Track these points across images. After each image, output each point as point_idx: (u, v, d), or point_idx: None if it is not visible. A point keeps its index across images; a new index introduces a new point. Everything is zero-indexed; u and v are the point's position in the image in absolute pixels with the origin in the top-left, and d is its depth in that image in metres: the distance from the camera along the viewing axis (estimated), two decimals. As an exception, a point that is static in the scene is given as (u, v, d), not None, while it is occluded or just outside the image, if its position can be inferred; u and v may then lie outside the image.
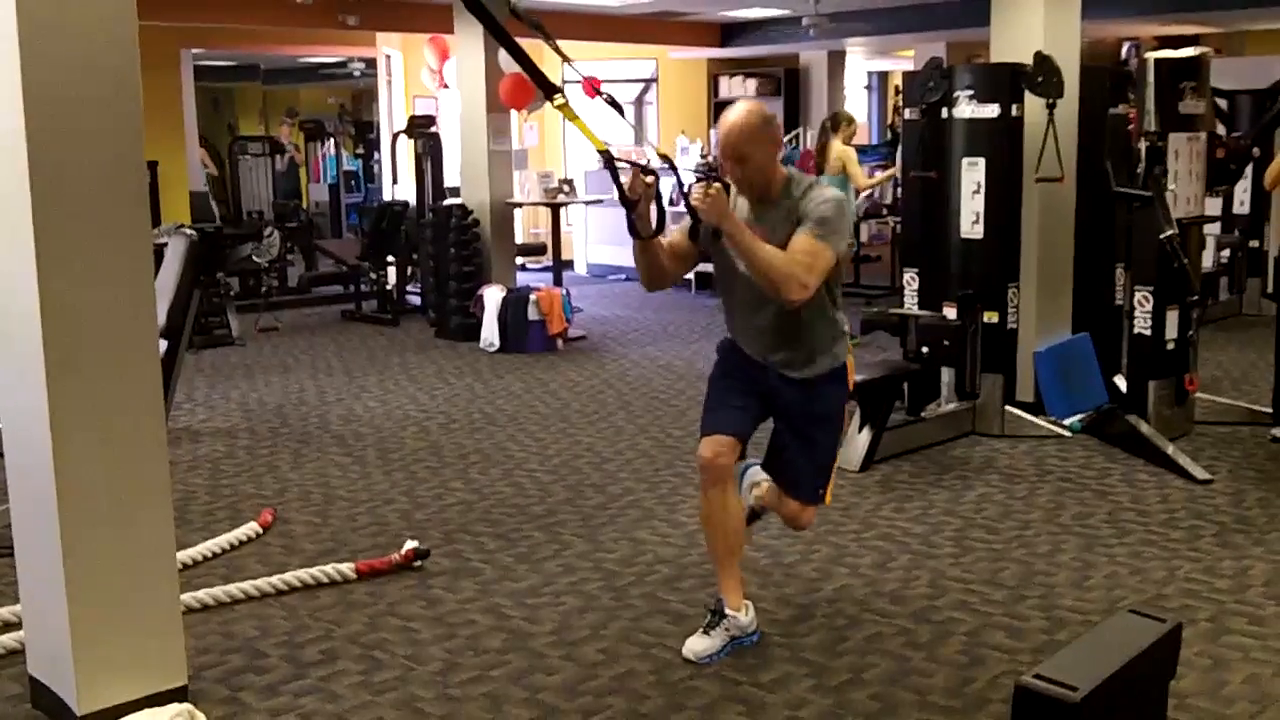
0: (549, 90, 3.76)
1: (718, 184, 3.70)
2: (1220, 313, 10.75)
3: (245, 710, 3.65)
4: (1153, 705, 3.38)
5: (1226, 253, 11.26)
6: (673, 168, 3.90)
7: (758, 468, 4.33)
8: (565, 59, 3.87)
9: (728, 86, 16.31)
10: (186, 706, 3.50)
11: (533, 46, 3.90)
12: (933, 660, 3.96)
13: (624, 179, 3.73)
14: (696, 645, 3.96)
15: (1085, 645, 3.50)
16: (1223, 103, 10.15)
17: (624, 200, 3.74)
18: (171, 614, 3.60)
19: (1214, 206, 10.95)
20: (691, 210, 3.74)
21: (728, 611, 3.99)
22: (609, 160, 3.72)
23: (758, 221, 3.85)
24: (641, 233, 3.81)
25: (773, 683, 3.81)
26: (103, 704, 3.43)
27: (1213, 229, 10.75)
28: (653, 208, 3.79)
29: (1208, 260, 11.02)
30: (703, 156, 13.66)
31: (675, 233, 3.99)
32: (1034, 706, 2.98)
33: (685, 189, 3.73)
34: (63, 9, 3.23)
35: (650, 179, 3.71)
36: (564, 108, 3.74)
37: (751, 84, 16.08)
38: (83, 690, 3.41)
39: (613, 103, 3.96)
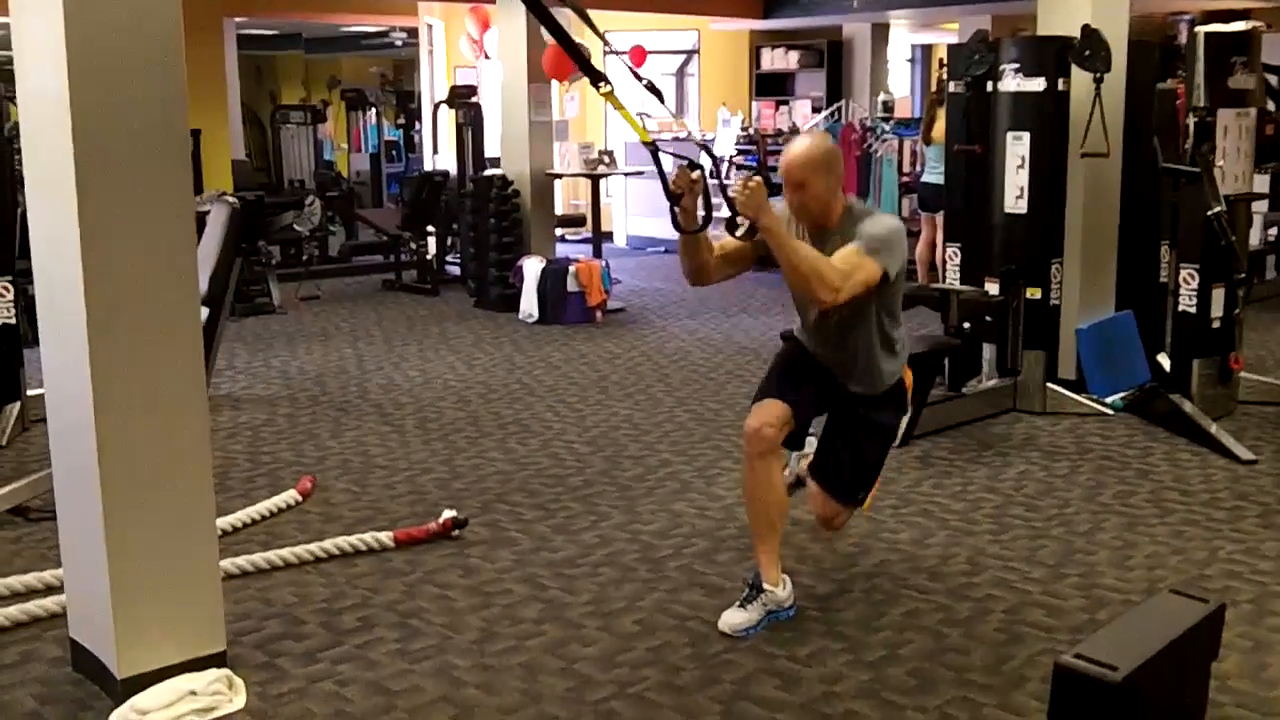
0: (595, 78, 3.74)
1: (758, 178, 3.69)
2: (1267, 291, 10.61)
3: (282, 676, 3.67)
4: (1194, 686, 3.35)
5: (1275, 230, 11.13)
6: (713, 159, 3.88)
7: (813, 438, 4.31)
8: (602, 38, 3.84)
9: (770, 58, 16.19)
10: (225, 672, 3.53)
11: (576, 26, 3.87)
12: (970, 638, 3.93)
13: (669, 172, 3.72)
14: (733, 618, 3.95)
15: (1126, 625, 3.47)
16: (1273, 79, 9.99)
17: (669, 194, 3.72)
18: (211, 580, 3.62)
19: (1262, 184, 10.82)
20: (730, 202, 3.72)
21: (765, 586, 3.98)
22: (655, 151, 3.72)
23: (813, 245, 3.87)
24: (685, 227, 3.81)
25: (809, 657, 3.80)
26: (142, 668, 3.46)
27: (1260, 207, 10.63)
28: (698, 202, 3.78)
29: (1255, 238, 10.89)
30: (743, 129, 13.60)
31: (731, 239, 3.99)
32: (1074, 686, 2.96)
33: (723, 178, 3.73)
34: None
35: (696, 174, 3.70)
36: (610, 95, 3.72)
37: (794, 56, 15.96)
38: (122, 653, 3.44)
39: (653, 89, 3.94)
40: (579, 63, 3.74)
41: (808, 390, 4.06)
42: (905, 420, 4.27)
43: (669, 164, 3.75)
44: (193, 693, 3.43)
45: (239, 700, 3.50)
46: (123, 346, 3.35)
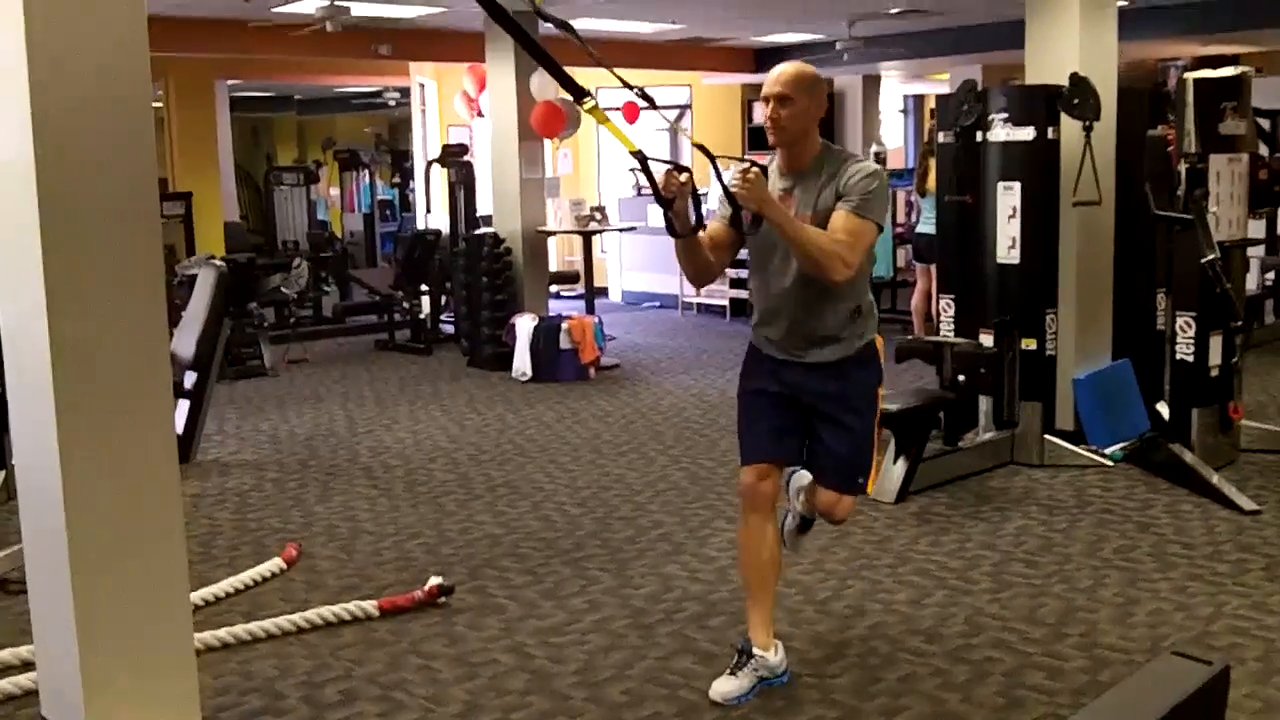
0: (578, 94, 3.68)
1: (756, 168, 3.63)
2: (1266, 336, 10.55)
3: (261, 755, 3.57)
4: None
5: (1272, 275, 11.08)
6: (710, 158, 3.79)
7: (803, 472, 4.19)
8: (593, 56, 3.76)
9: (762, 111, 16.23)
10: (199, 751, 3.42)
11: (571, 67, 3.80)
12: (969, 702, 3.82)
13: (659, 178, 3.66)
14: (724, 687, 3.85)
15: (1126, 690, 3.36)
16: (1265, 123, 9.97)
17: (659, 199, 3.67)
18: (184, 655, 3.51)
19: (1257, 229, 10.77)
20: (731, 197, 3.67)
21: (755, 651, 3.87)
22: (643, 160, 3.66)
23: (791, 192, 3.81)
24: (680, 230, 3.73)
25: (803, 725, 3.69)
26: (114, 745, 3.35)
27: (1257, 251, 10.57)
28: (689, 205, 3.72)
29: (1252, 283, 10.84)
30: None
31: (713, 223, 3.94)
32: (1073, 757, 2.84)
33: (719, 176, 3.67)
34: (73, 39, 3.17)
35: (684, 176, 3.63)
36: (594, 110, 3.66)
37: (786, 109, 16.00)
38: (93, 732, 3.33)
39: (644, 95, 3.87)
40: (560, 79, 3.67)
41: (789, 433, 3.94)
42: (882, 393, 4.04)
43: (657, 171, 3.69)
44: (165, 775, 3.32)
45: (214, 782, 3.39)
46: (91, 419, 3.26)
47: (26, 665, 4.12)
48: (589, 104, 3.64)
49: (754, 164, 3.65)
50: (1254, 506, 5.74)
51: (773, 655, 3.90)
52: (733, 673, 3.87)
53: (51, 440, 3.21)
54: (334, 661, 4.23)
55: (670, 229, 3.71)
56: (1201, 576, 4.92)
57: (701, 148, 3.71)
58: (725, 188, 3.68)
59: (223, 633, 4.38)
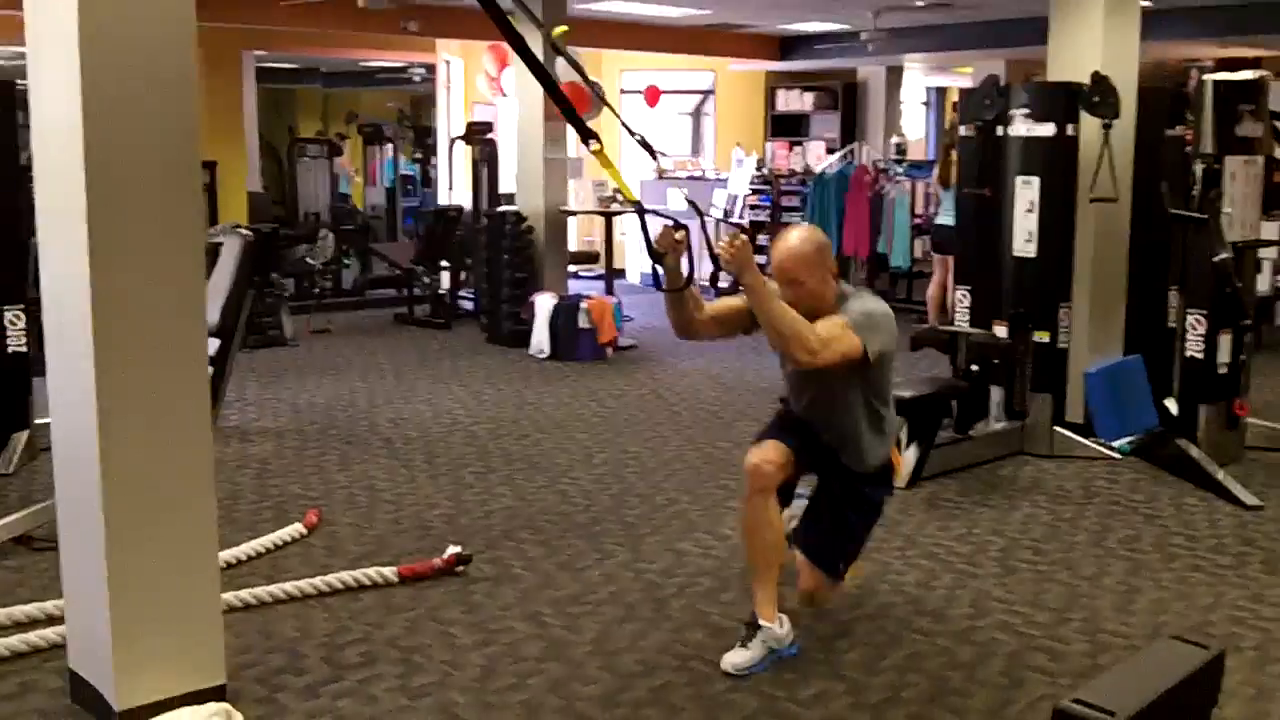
0: (585, 135, 3.79)
1: (744, 237, 3.76)
2: (1277, 338, 10.61)
3: (282, 711, 3.68)
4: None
5: (1285, 275, 11.10)
6: (700, 215, 3.91)
7: (805, 501, 4.32)
8: (600, 98, 3.89)
9: (785, 99, 16.29)
10: (224, 706, 3.53)
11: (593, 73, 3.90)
12: (972, 680, 3.93)
13: (654, 231, 3.77)
14: (735, 658, 3.95)
15: (1126, 670, 3.47)
16: (1283, 126, 10.01)
17: (652, 253, 3.77)
18: (212, 613, 3.64)
19: (1271, 230, 10.82)
20: (714, 256, 3.77)
21: (761, 623, 3.98)
22: (641, 213, 3.76)
23: None
24: (669, 285, 3.87)
25: (811, 698, 3.80)
26: (140, 700, 3.46)
27: (1270, 253, 10.62)
28: (683, 261, 3.85)
29: (1264, 284, 10.88)
30: (757, 169, 13.66)
31: (735, 299, 4.09)
32: (1073, 731, 2.95)
33: (712, 239, 3.78)
34: (123, 8, 3.28)
35: (680, 234, 3.75)
36: (599, 154, 3.75)
37: (809, 97, 16.06)
38: (121, 685, 3.45)
39: (645, 144, 3.99)
40: (571, 119, 3.79)
41: (806, 442, 4.07)
42: (888, 497, 4.31)
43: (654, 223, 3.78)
44: (192, 728, 3.44)
45: (238, 736, 3.51)
46: (130, 378, 3.38)
47: (52, 620, 4.22)
48: (595, 147, 3.73)
49: (743, 230, 3.75)
50: (1256, 502, 5.83)
51: (779, 627, 4.00)
52: (743, 645, 3.97)
53: (90, 398, 3.34)
54: (354, 625, 4.35)
55: (656, 281, 3.82)
56: (1203, 568, 5.01)
57: (637, 205, 3.78)
58: (711, 247, 3.78)
59: (245, 593, 4.49)
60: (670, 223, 3.76)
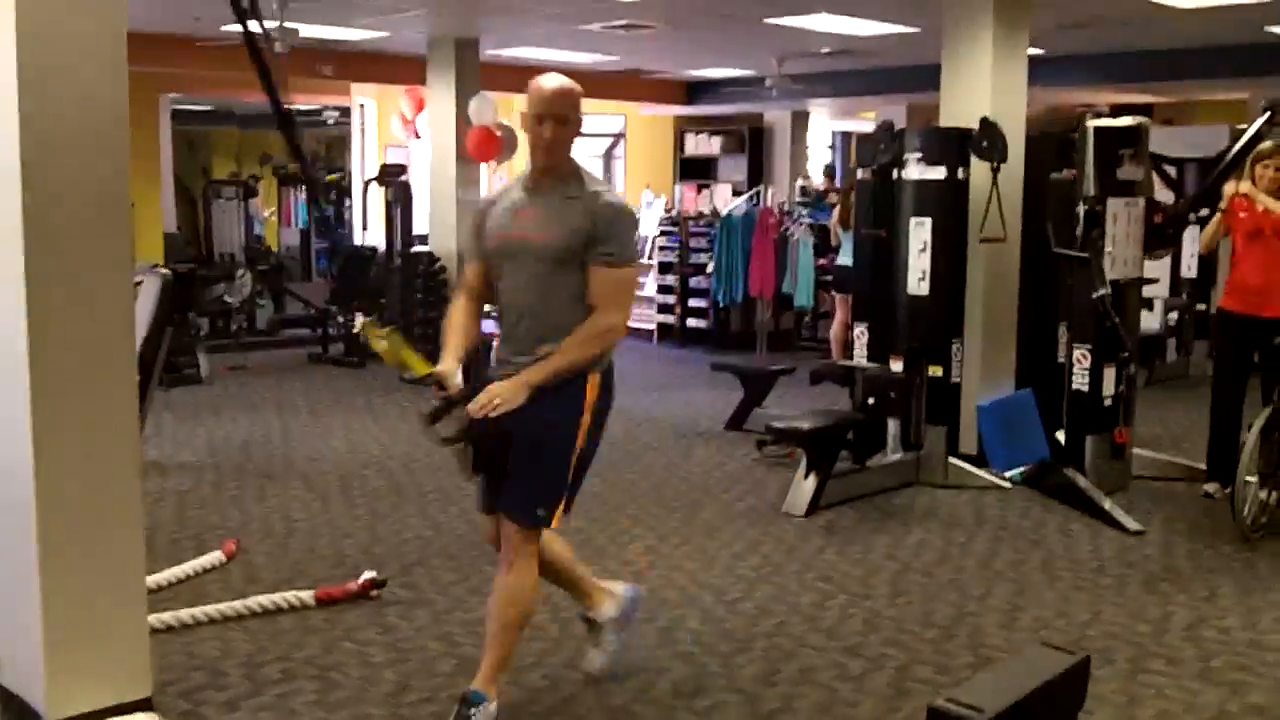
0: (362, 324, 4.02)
1: (491, 389, 3.57)
2: (1167, 374, 11.06)
3: (205, 724, 3.83)
4: (1059, 731, 3.59)
5: (1174, 315, 11.59)
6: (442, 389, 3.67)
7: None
8: (274, 96, 3.74)
9: (694, 143, 16.65)
10: (153, 716, 3.68)
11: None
12: (861, 691, 4.18)
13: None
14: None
15: (997, 673, 3.73)
16: (1172, 170, 10.48)
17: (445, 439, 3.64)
18: (139, 629, 3.79)
19: (1162, 270, 11.31)
20: (472, 429, 3.58)
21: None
22: (438, 385, 3.66)
23: (530, 204, 3.69)
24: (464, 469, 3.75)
25: (708, 709, 4.02)
26: (71, 711, 3.60)
27: (1161, 292, 11.10)
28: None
29: (1155, 323, 11.34)
30: (666, 210, 13.95)
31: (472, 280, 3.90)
32: (946, 727, 3.19)
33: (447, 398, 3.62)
34: (61, 52, 3.46)
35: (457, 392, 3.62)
36: (377, 338, 3.73)
37: (717, 140, 16.43)
38: (52, 697, 3.59)
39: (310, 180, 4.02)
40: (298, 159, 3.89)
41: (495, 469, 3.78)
42: (584, 427, 3.82)
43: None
44: (117, 739, 3.58)
45: (162, 747, 3.65)
46: (63, 406, 3.54)
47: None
48: (378, 337, 3.72)
49: (436, 378, 3.65)
50: (1138, 527, 6.15)
51: (610, 607, 4.15)
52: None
53: (25, 424, 3.49)
54: (272, 645, 4.50)
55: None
56: (1084, 588, 5.31)
57: (431, 378, 3.67)
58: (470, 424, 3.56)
59: (167, 616, 4.63)
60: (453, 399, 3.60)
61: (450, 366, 3.75)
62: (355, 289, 11.92)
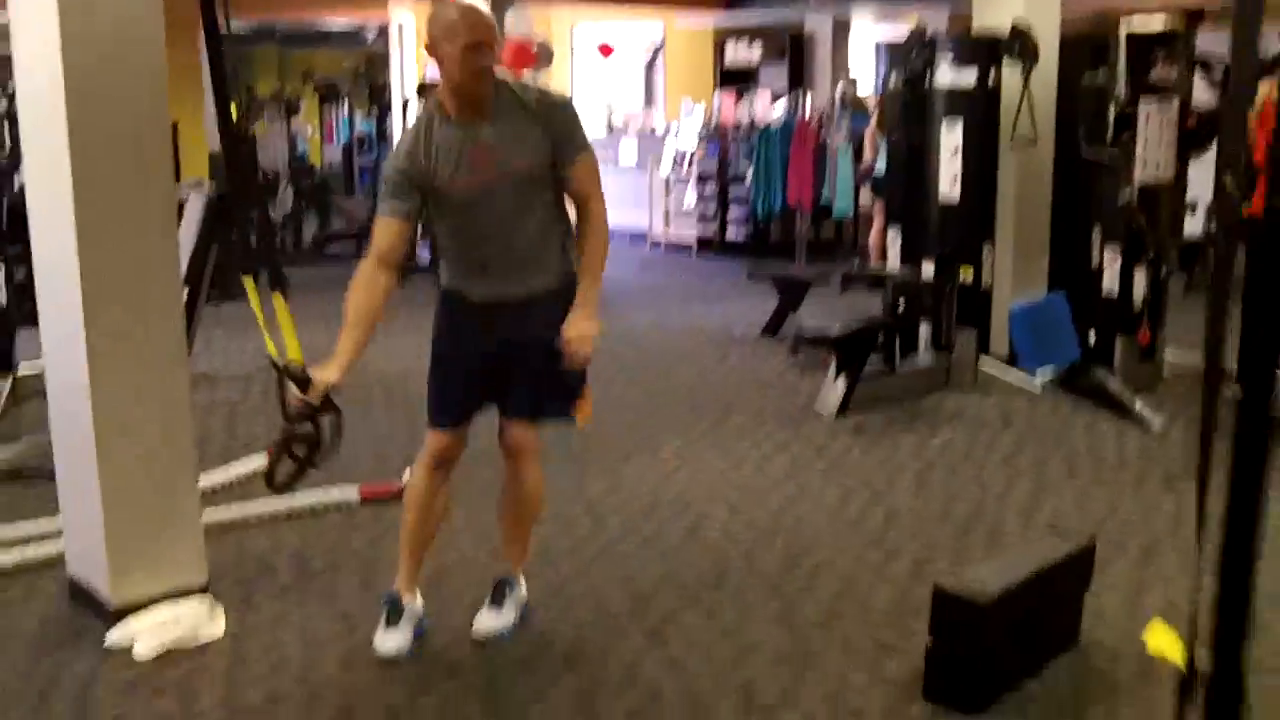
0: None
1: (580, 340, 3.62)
2: (1207, 280, 11.04)
3: (257, 609, 4.08)
4: (1065, 613, 3.76)
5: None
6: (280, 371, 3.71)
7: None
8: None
9: (733, 51, 16.58)
10: (207, 601, 3.93)
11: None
12: (879, 579, 4.35)
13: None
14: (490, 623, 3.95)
15: (1007, 554, 3.90)
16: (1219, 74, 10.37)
17: (287, 416, 3.64)
18: (193, 520, 4.04)
19: (1206, 174, 11.24)
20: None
21: (405, 601, 3.86)
22: (279, 372, 3.70)
23: (483, 137, 3.50)
24: (273, 479, 3.71)
25: (730, 595, 4.22)
26: (133, 597, 3.88)
27: (1204, 196, 11.05)
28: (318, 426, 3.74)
29: (1197, 228, 11.31)
30: (705, 122, 13.97)
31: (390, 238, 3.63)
32: (950, 606, 3.37)
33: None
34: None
35: (316, 402, 3.59)
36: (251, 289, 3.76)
37: (757, 49, 16.36)
38: (115, 585, 3.87)
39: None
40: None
41: (474, 395, 3.95)
42: None
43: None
44: (178, 618, 3.83)
45: (219, 626, 3.90)
46: (114, 318, 3.76)
47: (46, 538, 4.57)
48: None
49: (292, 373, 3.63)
50: (1161, 426, 6.26)
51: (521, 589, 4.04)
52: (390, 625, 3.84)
53: (80, 337, 3.71)
54: (319, 540, 4.73)
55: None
56: (1104, 483, 5.44)
57: (281, 366, 3.70)
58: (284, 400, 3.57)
59: (220, 514, 4.86)
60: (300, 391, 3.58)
61: (333, 376, 3.57)
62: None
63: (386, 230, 3.59)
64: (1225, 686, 1.55)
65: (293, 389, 3.57)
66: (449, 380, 3.94)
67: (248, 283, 4.35)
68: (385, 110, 15.94)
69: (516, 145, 3.52)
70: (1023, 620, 3.44)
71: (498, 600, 3.96)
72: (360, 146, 15.93)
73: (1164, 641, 1.67)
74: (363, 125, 16.47)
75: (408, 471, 5.26)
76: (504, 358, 3.78)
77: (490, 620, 3.93)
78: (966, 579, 3.42)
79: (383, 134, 15.84)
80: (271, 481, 3.73)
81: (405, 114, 13.98)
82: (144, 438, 3.85)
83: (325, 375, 3.57)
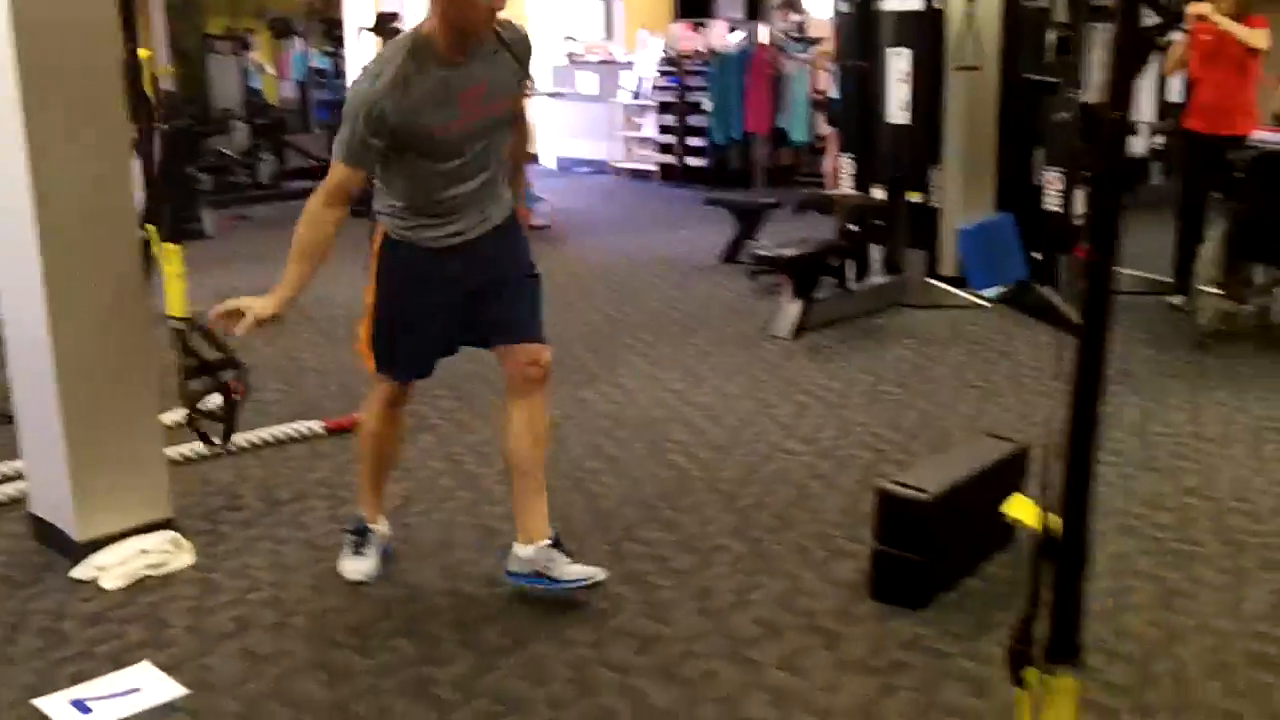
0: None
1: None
2: (1152, 197, 11.21)
3: (224, 539, 4.19)
4: (1001, 512, 3.93)
5: (1160, 139, 11.72)
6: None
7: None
8: None
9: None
10: (173, 533, 4.04)
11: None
12: (830, 487, 4.53)
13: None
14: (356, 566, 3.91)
15: (942, 458, 4.07)
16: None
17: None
18: (156, 456, 4.12)
19: (1147, 94, 11.42)
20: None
21: (371, 526, 3.95)
22: (188, 330, 3.76)
23: (473, 78, 3.37)
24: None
25: (689, 507, 4.38)
26: (98, 533, 3.96)
27: (1147, 116, 11.25)
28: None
29: (1141, 146, 11.51)
30: (664, 52, 14.00)
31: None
32: (893, 506, 3.54)
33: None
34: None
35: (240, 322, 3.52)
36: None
37: (712, -21, 16.35)
38: (80, 521, 3.94)
39: None
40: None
41: (449, 343, 3.86)
42: None
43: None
44: (144, 550, 3.94)
45: (186, 557, 4.01)
46: (72, 259, 3.80)
47: (6, 478, 4.65)
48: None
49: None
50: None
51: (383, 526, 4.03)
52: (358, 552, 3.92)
53: (38, 277, 3.76)
54: (284, 471, 4.84)
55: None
56: (1046, 393, 5.63)
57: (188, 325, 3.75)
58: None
59: (184, 449, 4.95)
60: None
61: (270, 308, 3.51)
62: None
63: (346, 179, 3.42)
64: (1072, 546, 1.75)
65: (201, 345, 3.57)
66: (418, 334, 3.72)
67: (150, 232, 4.37)
68: (341, 45, 15.87)
69: (499, 85, 3.44)
70: (962, 520, 3.61)
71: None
72: (316, 82, 15.85)
73: (1022, 510, 1.87)
74: (318, 60, 16.39)
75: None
76: (481, 294, 3.63)
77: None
78: (908, 481, 3.59)
79: (339, 69, 15.78)
80: (206, 439, 3.91)
81: (361, 49, 13.93)
82: (105, 376, 3.92)
83: (264, 308, 3.45)
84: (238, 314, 3.48)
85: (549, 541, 3.66)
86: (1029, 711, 1.85)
